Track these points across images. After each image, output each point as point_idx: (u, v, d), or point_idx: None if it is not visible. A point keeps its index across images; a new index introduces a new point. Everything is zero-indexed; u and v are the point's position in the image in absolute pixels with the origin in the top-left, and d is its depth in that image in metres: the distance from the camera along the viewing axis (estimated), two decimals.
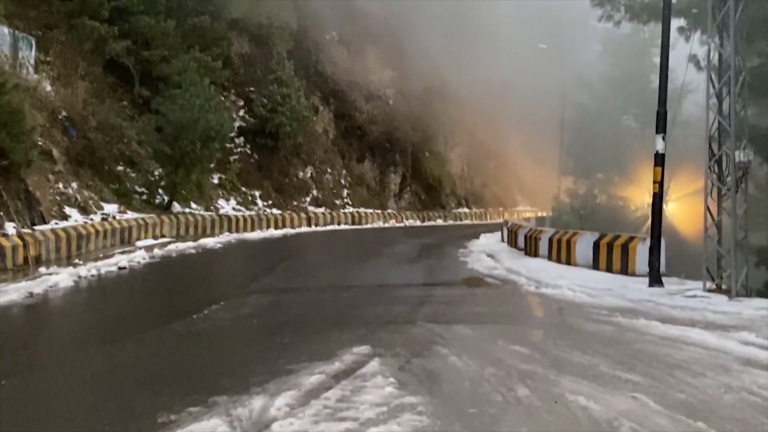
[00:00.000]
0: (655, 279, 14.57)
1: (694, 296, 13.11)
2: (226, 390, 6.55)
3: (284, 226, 36.62)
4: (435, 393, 6.48)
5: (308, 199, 42.14)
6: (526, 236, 24.45)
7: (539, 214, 46.61)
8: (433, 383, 6.85)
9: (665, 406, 5.96)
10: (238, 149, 39.05)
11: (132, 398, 6.55)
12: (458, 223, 51.48)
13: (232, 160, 37.65)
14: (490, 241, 30.87)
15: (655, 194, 14.82)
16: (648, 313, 10.98)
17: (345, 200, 45.14)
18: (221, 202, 35.47)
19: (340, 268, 19.93)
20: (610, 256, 17.70)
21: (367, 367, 7.36)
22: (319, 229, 38.60)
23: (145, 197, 30.00)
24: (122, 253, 20.67)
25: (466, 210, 56.62)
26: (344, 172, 46.51)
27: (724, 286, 13.70)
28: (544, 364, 7.58)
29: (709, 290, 13.60)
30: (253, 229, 33.74)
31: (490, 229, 37.96)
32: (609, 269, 17.53)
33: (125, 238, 24.36)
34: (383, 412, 5.86)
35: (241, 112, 40.34)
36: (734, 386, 6.60)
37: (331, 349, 8.20)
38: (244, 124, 39.71)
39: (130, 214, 26.94)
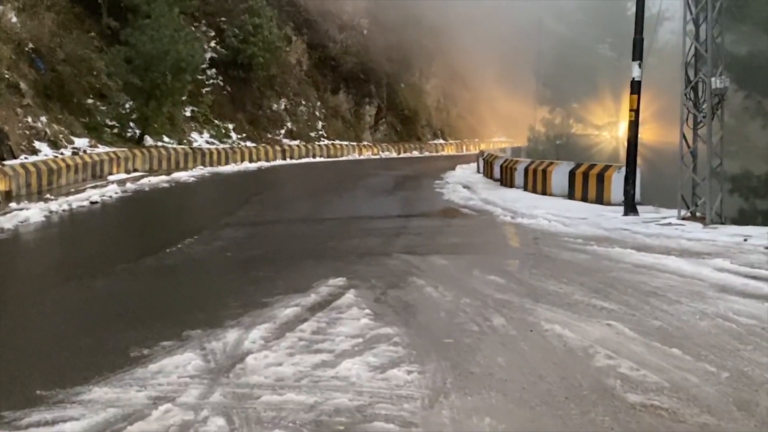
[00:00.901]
0: (630, 207, 14.61)
1: (669, 224, 13.16)
2: (199, 324, 6.47)
3: (258, 159, 36.36)
4: (411, 324, 6.44)
5: (283, 131, 41.73)
6: (501, 167, 24.44)
7: (515, 145, 46.55)
8: (409, 314, 6.81)
9: (640, 334, 5.97)
10: (211, 81, 38.45)
11: (104, 333, 6.45)
12: (434, 154, 51.35)
13: (204, 92, 37.09)
14: (466, 172, 30.87)
15: (631, 122, 14.74)
16: (623, 242, 11.01)
17: (320, 132, 44.75)
18: (194, 135, 35.04)
19: (316, 200, 19.82)
20: (586, 186, 17.71)
21: (343, 299, 7.31)
22: (294, 161, 38.34)
23: (116, 131, 29.55)
24: (94, 187, 20.42)
25: (442, 141, 56.48)
26: (319, 103, 46.00)
27: (698, 214, 13.76)
28: (520, 293, 7.56)
29: (684, 218, 13.65)
30: (227, 163, 33.50)
31: (467, 160, 37.93)
32: (584, 198, 17.56)
33: (97, 173, 24.07)
34: (359, 344, 5.82)
35: (213, 43, 39.59)
36: (709, 313, 6.62)
37: (306, 282, 8.13)
38: (216, 56, 39.03)
39: (102, 148, 26.57)
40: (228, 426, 4.29)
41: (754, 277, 8.05)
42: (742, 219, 18.68)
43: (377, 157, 45.89)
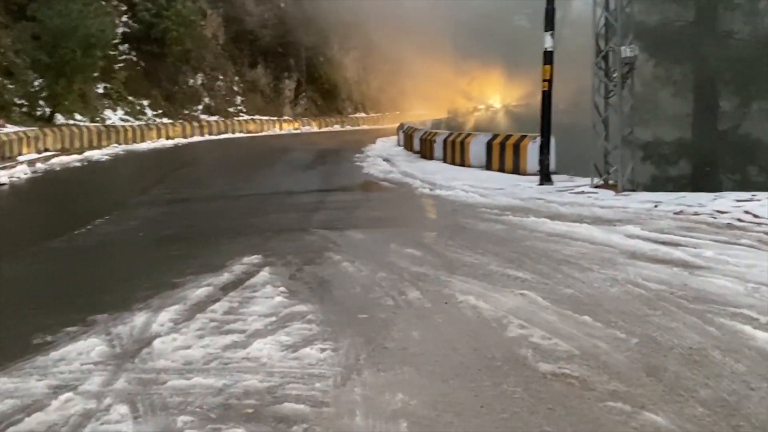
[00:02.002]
0: (545, 177, 14.82)
1: (582, 192, 13.39)
2: (106, 308, 6.24)
3: (175, 136, 35.63)
4: (326, 300, 6.36)
5: (200, 107, 40.96)
6: (421, 139, 24.52)
7: (436, 117, 46.72)
8: (324, 290, 6.72)
9: (552, 302, 6.01)
10: (123, 57, 37.37)
11: (5, 320, 6.18)
12: (356, 128, 51.21)
13: (117, 68, 36.02)
14: (386, 145, 30.89)
15: (544, 92, 14.87)
16: (538, 211, 11.14)
17: (239, 108, 44.09)
18: (108, 112, 34.11)
19: (233, 176, 19.52)
20: (503, 156, 17.89)
21: (257, 277, 7.16)
22: (212, 138, 37.70)
23: (25, 109, 28.56)
24: (2, 168, 19.65)
25: (363, 115, 56.36)
26: (236, 78, 45.27)
27: (611, 182, 14.02)
28: (436, 265, 7.55)
29: (597, 186, 13.90)
30: (142, 140, 32.70)
31: (388, 133, 37.91)
32: (502, 169, 17.74)
33: (5, 153, 23.15)
34: (272, 323, 5.70)
35: (124, 18, 38.43)
36: (620, 279, 6.72)
37: (220, 260, 7.95)
38: (128, 30, 37.90)
39: (10, 128, 25.58)
40: (131, 414, 4.14)
41: (664, 243, 8.23)
42: (654, 185, 19.22)
43: (298, 131, 45.50)
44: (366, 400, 4.23)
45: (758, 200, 10.65)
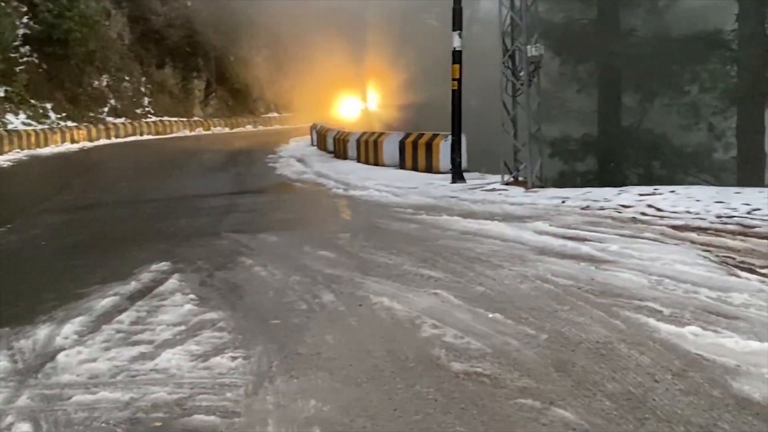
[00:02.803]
0: (457, 175, 14.97)
1: (493, 190, 13.57)
2: (7, 321, 5.99)
3: (81, 139, 34.58)
4: (237, 307, 6.25)
5: (106, 109, 39.87)
6: (335, 139, 24.47)
7: (350, 116, 46.70)
8: (236, 296, 6.61)
9: (465, 301, 6.05)
10: (25, 59, 36.07)
11: None
12: (268, 128, 50.80)
13: (18, 71, 34.77)
14: (300, 145, 30.76)
15: (454, 91, 15.01)
16: (450, 209, 11.23)
17: (146, 109, 43.12)
18: (9, 116, 32.86)
19: (141, 180, 19.07)
20: (416, 155, 17.99)
21: (166, 285, 6.98)
22: (119, 140, 36.80)
23: None
24: None
25: (275, 115, 55.89)
26: (143, 79, 44.26)
27: (521, 178, 14.26)
28: (350, 267, 7.52)
29: (507, 183, 14.11)
30: (46, 145, 31.63)
31: (301, 133, 37.70)
32: (415, 168, 17.84)
33: None
34: (181, 332, 5.56)
35: (25, 19, 37.09)
36: (529, 275, 6.81)
37: (127, 269, 7.72)
38: (29, 32, 36.62)
39: None
40: None
41: (571, 238, 8.39)
42: (562, 181, 19.67)
43: (209, 132, 44.85)
44: (278, 408, 4.17)
45: (660, 194, 11.00)
